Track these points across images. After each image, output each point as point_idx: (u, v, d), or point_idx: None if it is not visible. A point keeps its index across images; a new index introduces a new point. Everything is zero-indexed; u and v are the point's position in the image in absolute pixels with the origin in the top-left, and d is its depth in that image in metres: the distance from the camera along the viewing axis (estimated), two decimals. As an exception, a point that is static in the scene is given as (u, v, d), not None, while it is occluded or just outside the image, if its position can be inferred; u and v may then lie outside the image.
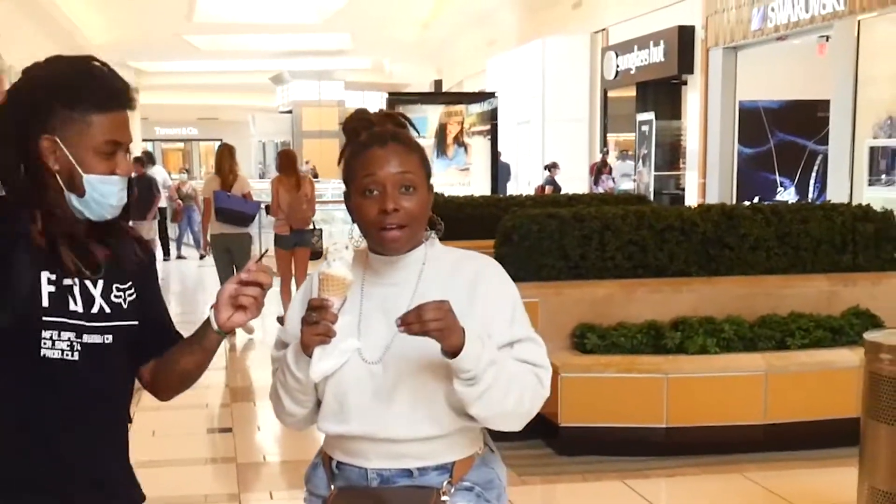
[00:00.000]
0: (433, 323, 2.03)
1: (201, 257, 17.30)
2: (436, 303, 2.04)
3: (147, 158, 17.32)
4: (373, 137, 2.28)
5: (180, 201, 18.26)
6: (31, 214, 2.07)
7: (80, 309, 2.10)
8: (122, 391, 2.23)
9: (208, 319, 2.18)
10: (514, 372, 2.21)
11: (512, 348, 2.26)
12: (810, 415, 6.08)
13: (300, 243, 10.35)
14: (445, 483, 2.27)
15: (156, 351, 2.27)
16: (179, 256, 18.44)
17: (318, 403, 2.32)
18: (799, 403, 6.07)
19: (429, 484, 2.26)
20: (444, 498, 2.25)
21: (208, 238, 10.53)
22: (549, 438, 6.12)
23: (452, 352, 2.08)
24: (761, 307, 6.50)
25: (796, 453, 5.98)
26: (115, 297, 2.17)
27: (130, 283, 2.21)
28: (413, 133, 2.40)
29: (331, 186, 25.65)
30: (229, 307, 2.15)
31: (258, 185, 18.76)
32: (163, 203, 17.19)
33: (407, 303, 2.23)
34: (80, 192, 2.08)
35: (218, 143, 46.42)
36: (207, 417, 7.23)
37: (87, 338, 2.10)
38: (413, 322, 2.02)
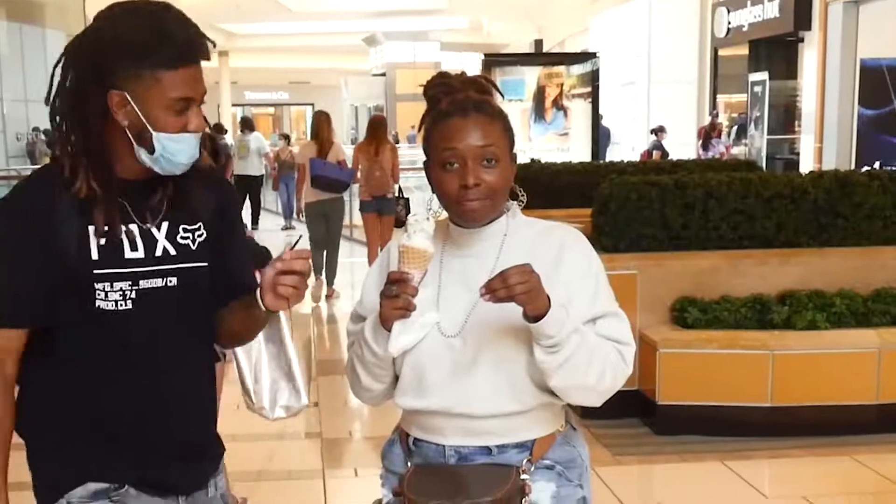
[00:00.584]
0: (519, 286, 2.05)
1: (284, 229, 17.32)
2: (519, 266, 2.07)
3: (244, 124, 17.53)
4: (453, 106, 2.28)
5: (274, 171, 18.26)
6: (83, 167, 2.13)
7: (140, 255, 2.16)
8: (194, 334, 2.28)
9: (255, 295, 2.20)
10: (597, 345, 2.24)
11: (595, 324, 2.28)
12: (927, 395, 5.96)
13: (382, 211, 10.68)
14: (525, 461, 2.30)
15: (221, 298, 2.32)
16: (288, 227, 17.53)
17: (396, 378, 2.36)
18: (915, 383, 5.96)
19: (508, 462, 2.30)
20: (523, 476, 2.28)
21: (302, 205, 10.99)
22: (647, 417, 6.12)
23: (536, 316, 2.11)
24: (876, 280, 6.38)
25: (911, 436, 5.89)
26: (182, 237, 2.23)
27: (200, 224, 2.26)
28: (497, 98, 2.40)
29: (409, 154, 25.78)
30: (271, 293, 2.16)
31: (350, 150, 18.91)
32: (258, 170, 17.37)
33: (487, 274, 2.23)
34: (150, 149, 2.12)
35: (309, 108, 46.78)
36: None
37: (144, 283, 2.16)
38: (498, 287, 2.05)
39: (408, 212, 11.02)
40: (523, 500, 2.27)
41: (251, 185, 17.21)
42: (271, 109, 52.61)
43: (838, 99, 14.85)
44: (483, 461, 2.30)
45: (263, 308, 2.19)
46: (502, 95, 2.52)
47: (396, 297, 2.15)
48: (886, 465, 5.48)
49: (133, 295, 2.15)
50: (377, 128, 10.86)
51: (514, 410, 2.27)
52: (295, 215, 15.93)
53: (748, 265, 6.40)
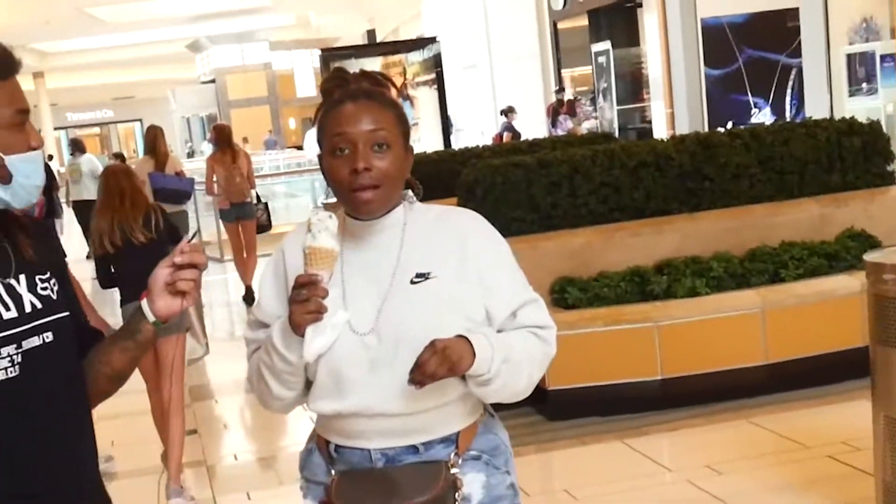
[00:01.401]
0: (441, 369, 2.13)
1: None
2: (428, 350, 2.13)
3: (75, 146, 17.00)
4: (344, 94, 2.34)
5: None
6: None
7: (14, 314, 2.02)
8: (77, 391, 2.15)
9: (141, 311, 2.13)
10: (523, 353, 2.32)
11: (515, 317, 2.35)
12: (814, 349, 6.19)
13: (242, 216, 11.15)
14: (452, 455, 2.34)
15: (82, 349, 2.19)
16: None
17: (308, 383, 2.36)
18: (800, 339, 6.19)
19: (435, 457, 2.33)
20: (453, 470, 2.32)
21: None
22: (538, 404, 6.19)
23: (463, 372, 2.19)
24: (750, 240, 6.59)
25: (803, 392, 6.11)
26: (42, 289, 2.09)
27: (49, 271, 2.13)
28: (393, 92, 2.45)
29: (267, 159, 25.56)
30: (164, 294, 2.10)
31: (188, 164, 18.62)
32: (93, 193, 16.90)
33: (392, 267, 2.30)
34: (6, 179, 1.99)
35: (138, 124, 45.81)
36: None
37: (26, 344, 2.02)
38: (425, 378, 2.13)
39: (268, 216, 11.50)
40: (456, 494, 2.31)
41: (89, 210, 16.70)
42: (97, 129, 51.40)
43: (683, 62, 15.25)
44: (411, 460, 2.33)
45: (152, 320, 2.11)
46: (399, 91, 2.54)
47: (307, 300, 2.15)
48: (782, 423, 5.66)
49: (19, 359, 2.01)
50: (227, 136, 11.36)
51: (437, 404, 2.29)
52: None
53: (622, 238, 6.53)
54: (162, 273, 2.10)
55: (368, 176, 2.25)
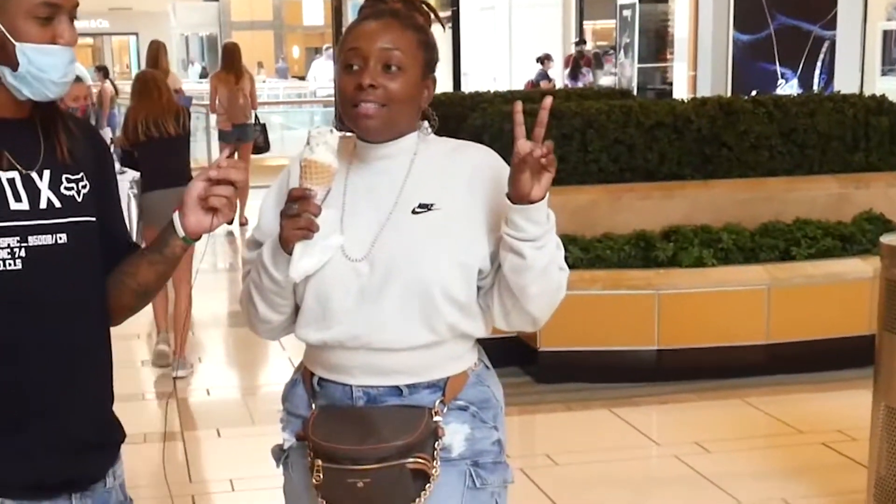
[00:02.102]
0: (545, 158, 2.11)
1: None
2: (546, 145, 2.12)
3: None
4: (371, 12, 2.34)
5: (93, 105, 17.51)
6: None
7: (24, 206, 2.05)
8: (90, 300, 2.15)
9: (172, 225, 2.16)
10: (556, 259, 2.29)
11: None
12: (818, 333, 6.21)
13: (242, 138, 11.45)
14: (437, 402, 2.33)
15: (110, 260, 2.22)
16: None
17: (297, 309, 2.37)
18: (805, 321, 6.21)
19: (419, 403, 2.33)
20: (436, 418, 2.32)
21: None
22: (527, 365, 6.23)
23: (535, 200, 2.15)
24: (763, 213, 6.60)
25: (802, 376, 6.14)
26: (66, 188, 2.11)
27: (83, 173, 2.15)
28: (438, 28, 2.46)
29: (266, 87, 25.46)
30: (198, 210, 2.13)
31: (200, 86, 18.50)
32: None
33: (395, 195, 2.30)
34: (14, 65, 2.01)
35: (133, 38, 45.53)
36: (141, 349, 7.27)
37: (32, 240, 2.04)
38: (535, 149, 2.10)
39: (265, 138, 11.82)
40: (436, 443, 2.31)
41: None
42: (90, 40, 51.16)
43: (712, 23, 15.17)
44: (393, 402, 2.33)
45: (182, 235, 2.14)
46: (443, 26, 2.55)
47: (297, 216, 2.15)
48: (778, 406, 5.71)
49: (22, 253, 2.03)
50: (234, 56, 11.71)
51: (426, 342, 2.29)
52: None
53: (630, 200, 6.54)
54: (196, 187, 2.12)
55: (373, 93, 2.24)
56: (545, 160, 2.11)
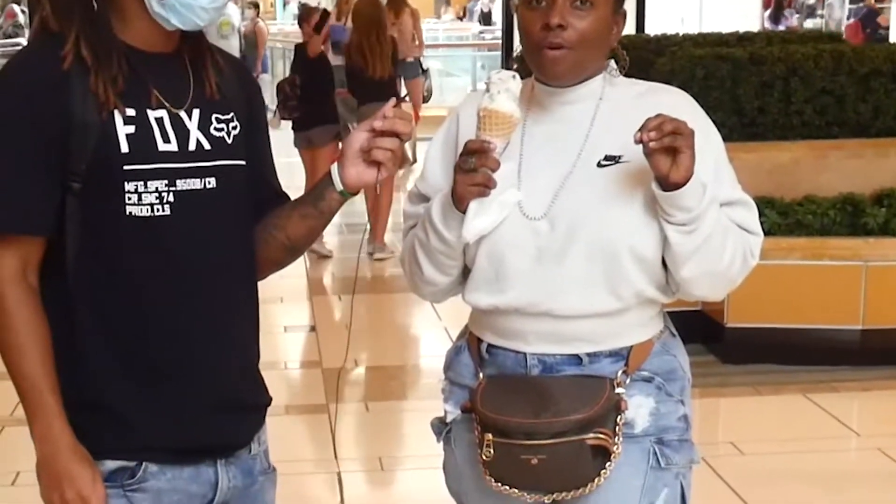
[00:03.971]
0: (668, 125, 2.09)
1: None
2: (671, 117, 2.11)
3: None
4: None
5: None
6: (74, 29, 2.06)
7: (173, 147, 2.09)
8: (239, 251, 2.21)
9: (329, 177, 2.19)
10: (730, 227, 2.29)
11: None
12: None
13: (402, 76, 11.81)
14: (620, 372, 2.33)
15: (259, 209, 2.26)
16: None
17: (465, 270, 2.38)
18: None
19: (600, 373, 2.33)
20: (618, 390, 2.32)
21: None
22: (713, 343, 6.20)
23: (678, 183, 2.14)
24: None
25: None
26: (216, 129, 2.16)
27: (233, 113, 2.19)
28: None
29: (426, 28, 25.47)
30: (359, 161, 2.16)
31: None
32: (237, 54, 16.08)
33: (578, 145, 2.29)
34: None
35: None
36: (284, 313, 7.46)
37: (181, 184, 2.09)
38: (666, 128, 2.09)
39: (429, 85, 12.13)
40: (618, 417, 2.30)
41: None
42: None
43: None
44: (571, 372, 2.33)
45: (340, 188, 2.18)
46: None
47: (474, 170, 2.16)
48: None
49: (171, 198, 2.07)
50: None
51: (611, 309, 2.29)
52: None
53: (838, 158, 6.43)
54: (358, 137, 2.16)
55: (562, 34, 2.23)
56: (665, 141, 2.09)
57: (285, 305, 7.55)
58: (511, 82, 2.17)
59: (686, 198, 2.15)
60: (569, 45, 2.24)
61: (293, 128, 9.00)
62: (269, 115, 10.79)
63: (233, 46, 15.40)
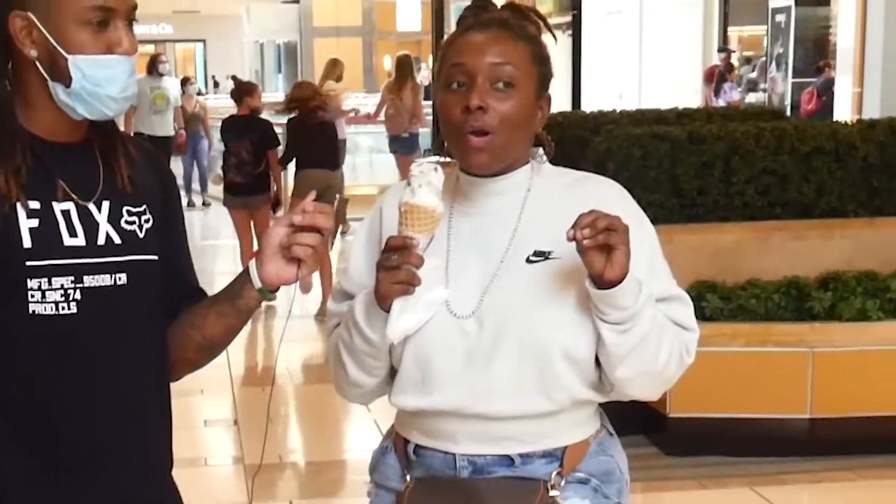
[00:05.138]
0: (602, 221, 2.10)
1: (189, 206, 16.23)
2: (604, 213, 2.12)
3: (152, 65, 15.64)
4: (476, 21, 2.35)
5: (182, 131, 16.37)
6: None
7: (80, 242, 2.09)
8: (151, 354, 2.20)
9: (247, 273, 2.19)
10: (666, 325, 2.31)
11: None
12: None
13: (398, 151, 14.15)
14: (554, 474, 2.34)
15: (173, 306, 2.26)
16: (190, 203, 16.72)
17: (392, 371, 2.39)
18: None
19: (533, 475, 2.34)
20: (553, 493, 2.33)
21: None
22: (655, 434, 6.23)
23: (613, 280, 2.15)
24: (941, 259, 6.51)
25: None
26: (128, 222, 2.16)
27: (145, 206, 2.19)
28: (550, 39, 2.49)
29: (354, 102, 25.60)
30: (278, 258, 2.16)
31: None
32: (170, 130, 15.64)
33: (506, 240, 2.32)
34: (67, 81, 2.05)
35: (199, 45, 46.14)
36: (204, 406, 7.42)
37: (89, 280, 2.08)
38: (599, 226, 2.09)
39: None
40: None
41: (167, 151, 15.22)
42: (150, 47, 52.04)
43: (883, 32, 14.99)
44: (503, 473, 2.34)
45: (259, 286, 2.18)
46: (554, 37, 2.58)
47: (397, 268, 2.16)
48: (957, 489, 5.63)
49: (77, 296, 2.07)
50: (402, 67, 14.43)
51: (544, 410, 2.31)
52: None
53: (782, 240, 6.51)
54: (278, 232, 2.16)
55: (483, 117, 2.25)
56: (599, 238, 2.10)
57: (206, 397, 7.49)
58: (433, 175, 2.18)
59: (621, 296, 2.17)
60: (490, 130, 2.26)
61: (231, 192, 10.08)
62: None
63: (167, 122, 15.38)
